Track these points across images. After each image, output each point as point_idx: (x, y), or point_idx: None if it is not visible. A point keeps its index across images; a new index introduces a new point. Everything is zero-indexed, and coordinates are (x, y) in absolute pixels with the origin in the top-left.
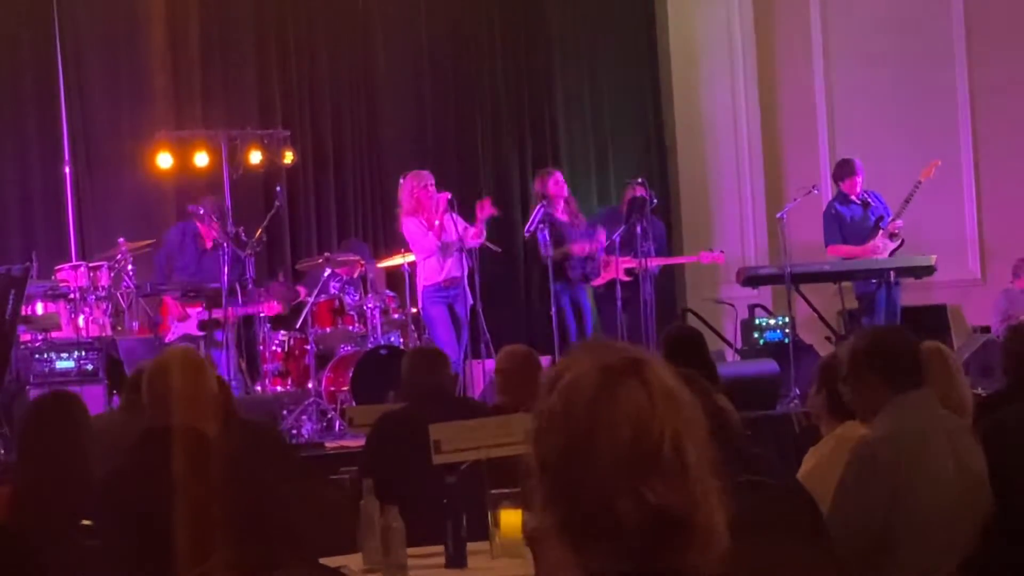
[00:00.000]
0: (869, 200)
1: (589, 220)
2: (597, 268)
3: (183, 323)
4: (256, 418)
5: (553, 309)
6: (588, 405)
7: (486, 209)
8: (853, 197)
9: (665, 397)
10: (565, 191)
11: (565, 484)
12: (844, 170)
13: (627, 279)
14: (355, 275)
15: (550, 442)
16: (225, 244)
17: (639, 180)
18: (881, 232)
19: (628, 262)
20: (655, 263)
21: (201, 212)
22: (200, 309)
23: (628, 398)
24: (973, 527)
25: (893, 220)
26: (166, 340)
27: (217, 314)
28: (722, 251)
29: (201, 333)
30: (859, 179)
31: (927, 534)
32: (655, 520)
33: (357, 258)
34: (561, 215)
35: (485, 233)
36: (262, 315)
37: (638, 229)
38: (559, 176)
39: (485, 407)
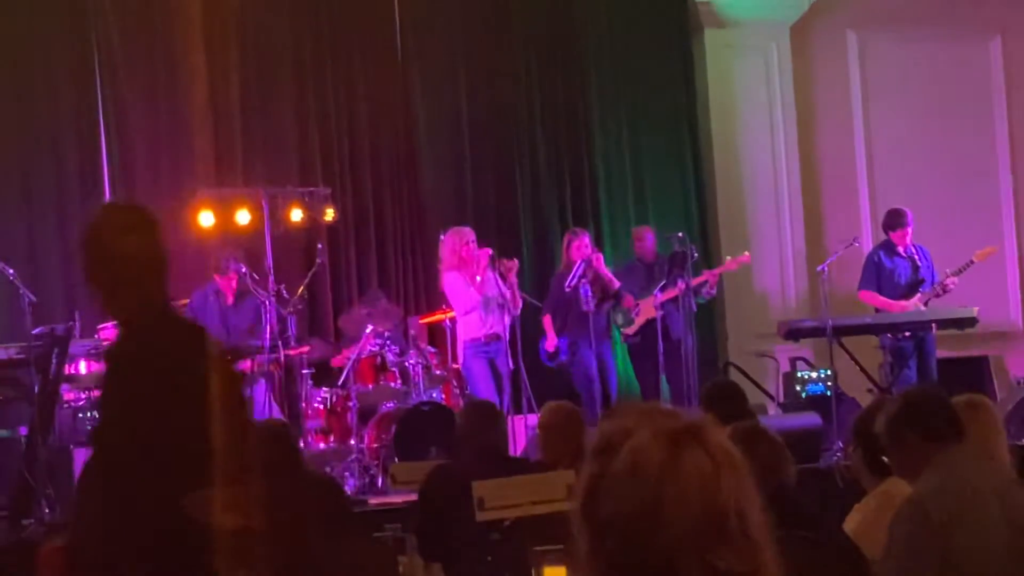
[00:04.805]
0: (918, 260)
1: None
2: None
3: None
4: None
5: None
6: (656, 473)
7: (509, 267)
8: (900, 249)
9: (728, 464)
10: (587, 253)
11: (630, 549)
12: (894, 220)
13: (660, 313)
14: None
15: (613, 507)
16: (267, 301)
17: (679, 235)
18: (919, 295)
19: (654, 300)
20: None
21: (228, 268)
22: None
23: (694, 466)
24: None
25: (933, 293)
26: None
27: (243, 365)
28: (747, 253)
29: None
30: (909, 231)
31: None
32: None
33: (399, 314)
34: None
35: (520, 298)
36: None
37: (679, 283)
38: (583, 240)
39: (535, 467)
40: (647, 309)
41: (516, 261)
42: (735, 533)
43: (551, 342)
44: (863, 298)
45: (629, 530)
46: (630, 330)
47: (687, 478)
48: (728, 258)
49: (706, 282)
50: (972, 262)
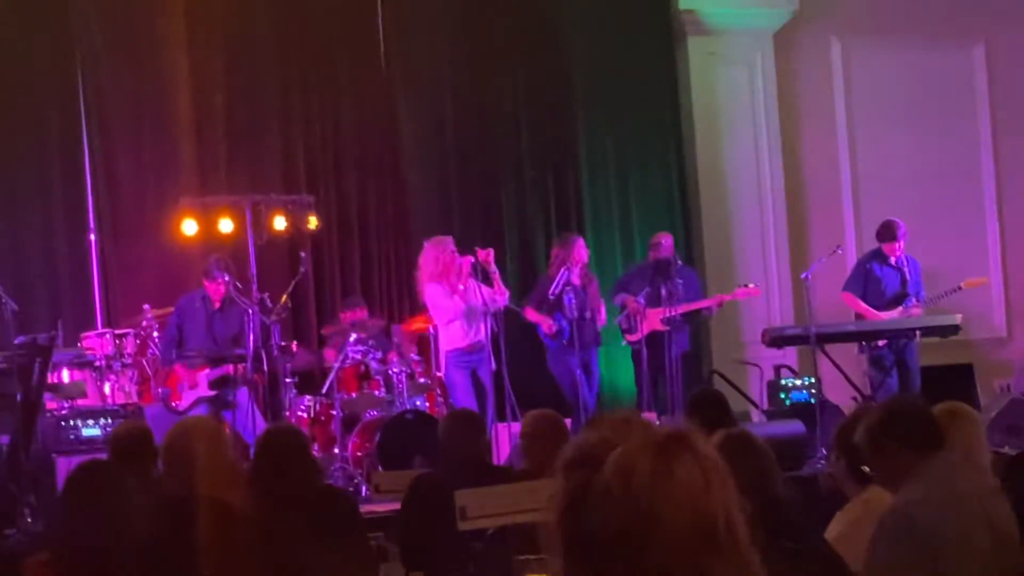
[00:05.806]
0: (906, 274)
1: (618, 279)
2: (598, 331)
3: (194, 389)
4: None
5: (558, 372)
6: (648, 484)
7: (484, 256)
8: (892, 260)
9: (716, 473)
10: (586, 257)
11: (620, 563)
12: (887, 233)
13: (666, 328)
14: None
15: (602, 520)
16: (251, 310)
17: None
18: (901, 309)
19: (662, 312)
20: (691, 307)
21: (216, 274)
22: (208, 371)
23: (685, 476)
24: None
25: (916, 305)
26: (180, 409)
27: (226, 369)
28: (756, 285)
29: (212, 392)
30: (900, 244)
31: None
32: None
33: (381, 322)
34: (575, 279)
35: (504, 288)
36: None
37: (662, 291)
38: (582, 242)
39: (519, 476)
40: (653, 320)
41: (491, 250)
42: (725, 542)
43: (547, 325)
44: (844, 299)
45: (620, 543)
46: (633, 337)
47: (679, 488)
48: (739, 287)
49: (701, 309)
50: (959, 288)
